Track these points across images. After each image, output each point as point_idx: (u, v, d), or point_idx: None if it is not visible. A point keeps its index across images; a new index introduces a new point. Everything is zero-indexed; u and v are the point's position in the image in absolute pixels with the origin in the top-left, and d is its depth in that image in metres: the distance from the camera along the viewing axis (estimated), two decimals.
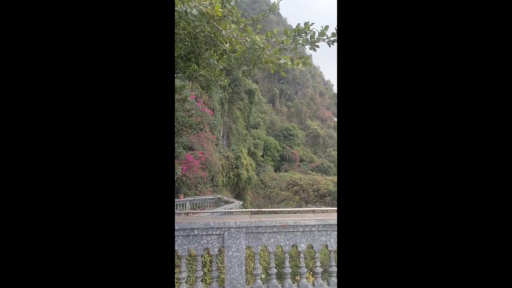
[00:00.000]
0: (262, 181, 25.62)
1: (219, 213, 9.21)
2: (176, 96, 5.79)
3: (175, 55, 3.05)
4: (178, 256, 3.24)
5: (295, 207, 21.59)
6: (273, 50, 2.14)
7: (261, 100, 33.31)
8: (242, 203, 15.88)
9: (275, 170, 28.69)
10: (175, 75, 4.44)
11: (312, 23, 1.92)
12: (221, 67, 3.37)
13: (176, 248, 3.17)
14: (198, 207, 13.44)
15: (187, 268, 3.38)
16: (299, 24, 1.97)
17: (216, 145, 18.93)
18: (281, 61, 2.12)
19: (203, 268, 3.09)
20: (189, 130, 6.15)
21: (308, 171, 30.21)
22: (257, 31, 2.43)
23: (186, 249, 3.19)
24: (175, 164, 7.66)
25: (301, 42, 2.08)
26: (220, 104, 20.50)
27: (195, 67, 3.82)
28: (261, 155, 27.93)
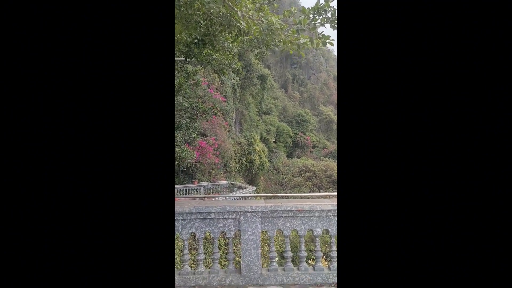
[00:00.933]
0: (274, 167, 25.70)
1: (233, 198, 9.37)
2: (189, 81, 5.79)
3: (190, 40, 3.01)
4: (196, 238, 3.33)
5: (308, 193, 21.63)
6: (290, 30, 2.06)
7: (273, 85, 32.88)
8: (255, 189, 16.06)
9: (288, 156, 28.65)
10: (189, 61, 4.42)
11: None
12: (235, 50, 3.31)
13: (193, 231, 3.25)
14: (212, 192, 13.71)
15: (204, 250, 3.48)
16: (318, 0, 1.87)
17: (228, 131, 19.01)
18: (301, 41, 2.04)
19: (219, 251, 3.20)
20: (203, 116, 6.17)
21: (321, 157, 30.00)
22: (274, 10, 2.35)
23: (203, 232, 3.27)
24: (189, 150, 7.76)
25: (320, 21, 1.99)
26: (232, 90, 20.40)
27: (209, 51, 3.77)
28: (274, 142, 27.89)
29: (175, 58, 3.97)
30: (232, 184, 15.16)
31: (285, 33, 2.07)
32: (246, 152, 20.87)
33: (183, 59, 3.92)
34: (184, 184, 13.38)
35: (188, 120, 6.26)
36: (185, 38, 2.79)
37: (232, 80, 20.02)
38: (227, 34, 2.83)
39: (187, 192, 12.55)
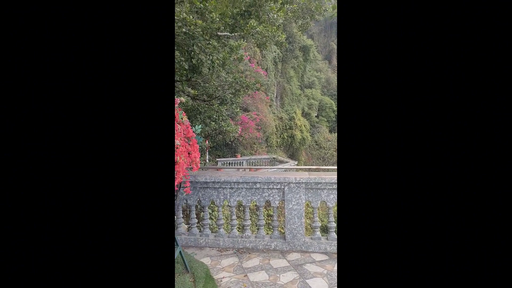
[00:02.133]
0: (316, 142, 25.25)
1: (277, 170, 9.55)
2: (232, 56, 5.84)
3: (235, 11, 3.01)
4: (242, 207, 3.57)
5: None
6: None
7: (316, 57, 31.28)
8: (296, 163, 16.12)
9: (330, 131, 27.80)
10: (233, 34, 4.44)
11: None
12: (280, 20, 3.25)
13: (240, 199, 3.48)
14: (254, 165, 14.13)
15: (250, 217, 3.73)
16: None
17: (270, 106, 18.96)
18: None
19: (264, 219, 3.43)
20: (245, 90, 6.25)
21: None
22: None
23: (249, 200, 3.48)
24: (232, 124, 8.02)
25: None
26: (273, 64, 19.99)
27: (253, 23, 3.74)
28: (316, 116, 27.14)
29: (220, 33, 4.03)
30: (273, 158, 15.41)
31: None
32: (287, 127, 20.75)
33: (228, 33, 3.95)
34: (227, 157, 14.00)
35: (232, 96, 6.41)
36: (231, 10, 2.80)
37: (273, 53, 19.54)
38: (272, 4, 2.78)
39: (230, 165, 13.15)
